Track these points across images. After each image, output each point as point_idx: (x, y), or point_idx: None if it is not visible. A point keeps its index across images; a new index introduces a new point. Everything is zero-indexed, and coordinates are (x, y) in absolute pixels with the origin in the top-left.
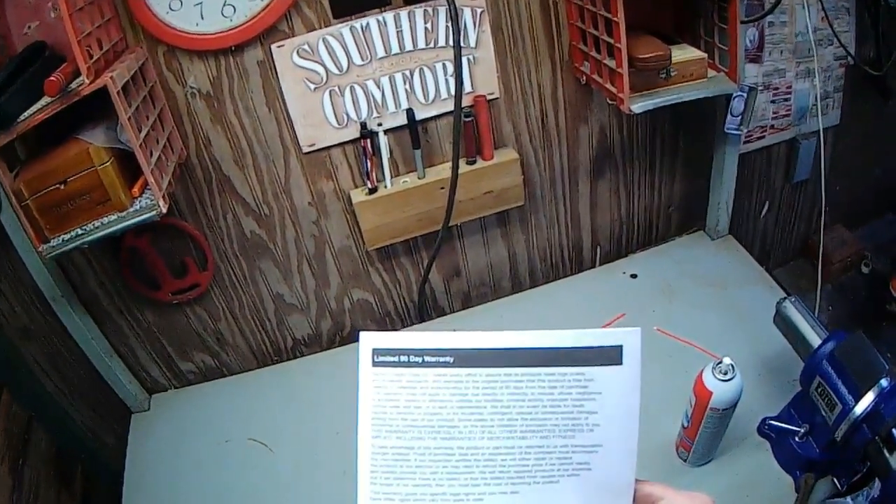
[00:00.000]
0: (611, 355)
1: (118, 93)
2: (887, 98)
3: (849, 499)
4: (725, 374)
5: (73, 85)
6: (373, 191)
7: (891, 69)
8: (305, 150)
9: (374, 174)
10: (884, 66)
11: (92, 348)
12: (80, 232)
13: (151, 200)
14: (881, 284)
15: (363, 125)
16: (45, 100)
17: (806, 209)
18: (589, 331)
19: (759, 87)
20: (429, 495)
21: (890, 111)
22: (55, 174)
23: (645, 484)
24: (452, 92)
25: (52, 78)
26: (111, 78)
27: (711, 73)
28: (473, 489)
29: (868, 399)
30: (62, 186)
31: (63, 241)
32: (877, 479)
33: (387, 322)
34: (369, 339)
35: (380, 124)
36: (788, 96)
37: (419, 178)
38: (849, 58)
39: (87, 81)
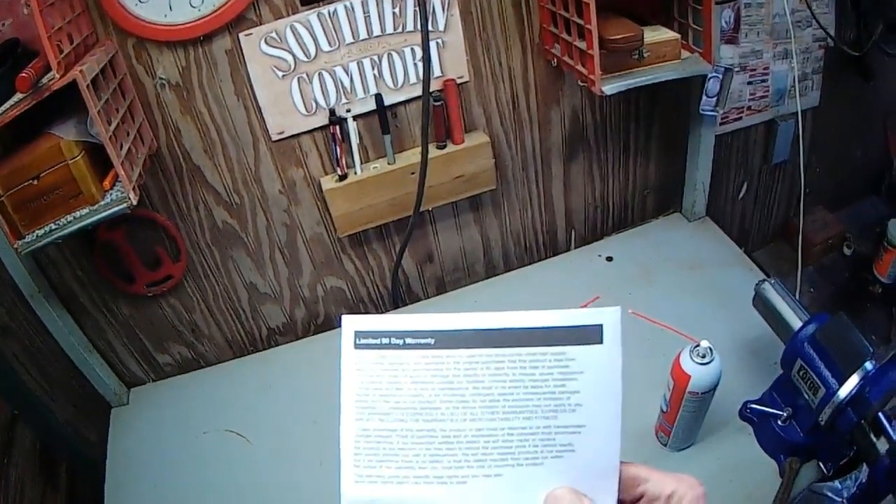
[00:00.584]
0: (591, 334)
1: (87, 86)
2: (868, 79)
3: (837, 483)
4: (703, 357)
5: (44, 80)
6: (343, 177)
7: (871, 50)
8: (275, 138)
9: (343, 161)
10: (864, 47)
11: (70, 344)
12: (53, 227)
13: (122, 193)
14: (864, 266)
15: (332, 112)
16: (17, 96)
17: (785, 191)
18: (569, 311)
19: (736, 69)
20: (412, 477)
21: (870, 92)
22: (28, 170)
23: (630, 466)
24: (421, 76)
25: (23, 74)
26: (81, 72)
27: (685, 54)
28: (457, 471)
29: (852, 382)
30: (35, 182)
31: (37, 236)
32: (864, 463)
33: (360, 309)
34: (351, 322)
35: (348, 110)
36: (766, 78)
37: (389, 164)
38: (828, 39)
39: (57, 76)
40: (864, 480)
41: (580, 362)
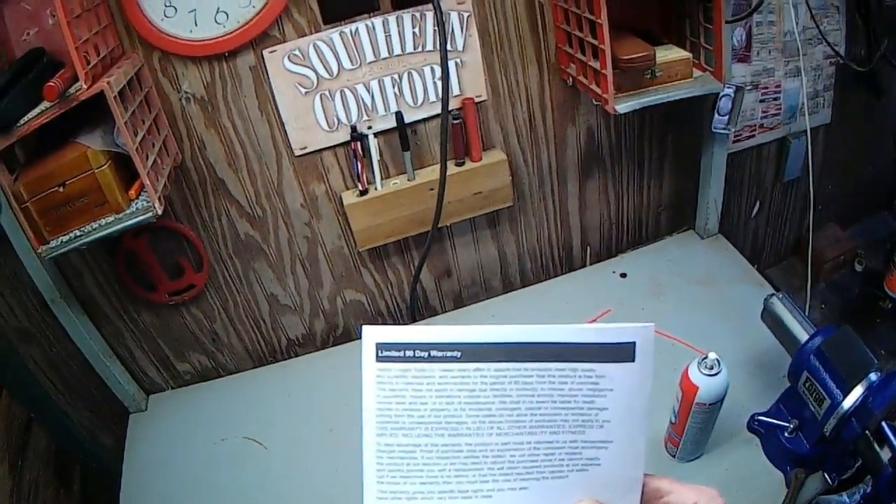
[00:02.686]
0: (624, 352)
1: (115, 98)
2: (879, 96)
3: (845, 496)
4: (711, 368)
5: (72, 90)
6: (363, 192)
7: (880, 67)
8: (297, 153)
9: (364, 176)
10: (872, 63)
11: (90, 349)
12: (78, 233)
13: (147, 202)
14: (875, 282)
15: (353, 128)
16: (44, 104)
17: (798, 208)
18: (601, 326)
19: (748, 87)
20: (437, 493)
21: (881, 109)
22: (54, 177)
23: (653, 478)
24: (441, 95)
25: (50, 83)
26: (108, 83)
27: (697, 72)
28: (482, 486)
29: (857, 393)
30: (61, 189)
31: (62, 242)
32: (869, 476)
33: (379, 322)
34: (373, 334)
35: (370, 127)
36: (778, 95)
37: (409, 180)
38: (838, 57)
39: (84, 87)
40: (868, 491)
41: (610, 380)
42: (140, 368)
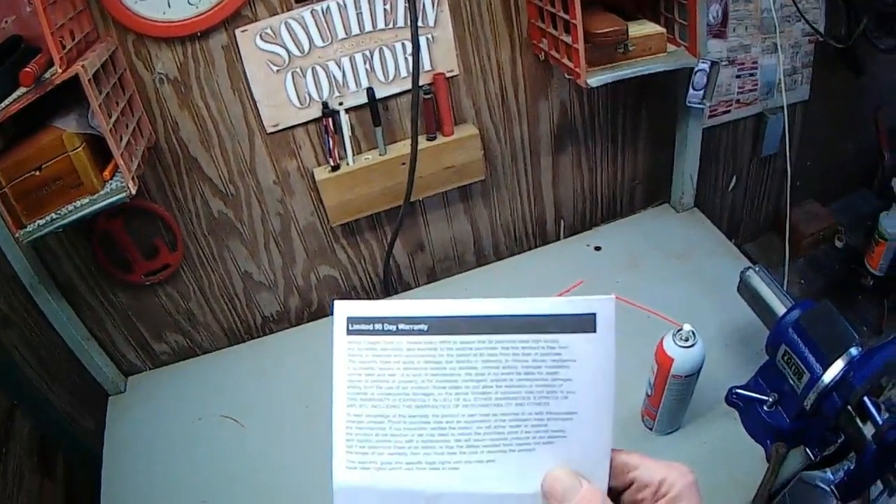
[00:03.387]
0: (585, 323)
1: (89, 81)
2: (858, 74)
3: (829, 473)
4: (686, 340)
5: (47, 75)
6: (335, 168)
7: (860, 44)
8: (269, 130)
9: (336, 152)
10: (851, 41)
11: (69, 333)
12: (54, 216)
13: (121, 183)
14: (855, 258)
15: (325, 105)
16: (20, 90)
17: (775, 183)
18: (563, 298)
19: (724, 63)
20: (405, 463)
21: (861, 86)
22: (31, 161)
23: (621, 453)
24: (412, 70)
25: (26, 69)
26: (82, 67)
27: (672, 48)
28: (449, 457)
29: (837, 367)
30: (37, 173)
31: (39, 225)
32: (853, 453)
33: (352, 297)
34: (343, 308)
35: (341, 103)
36: (754, 71)
37: (380, 155)
38: (816, 34)
39: (59, 71)
40: (851, 467)
41: (572, 350)
42: (118, 350)
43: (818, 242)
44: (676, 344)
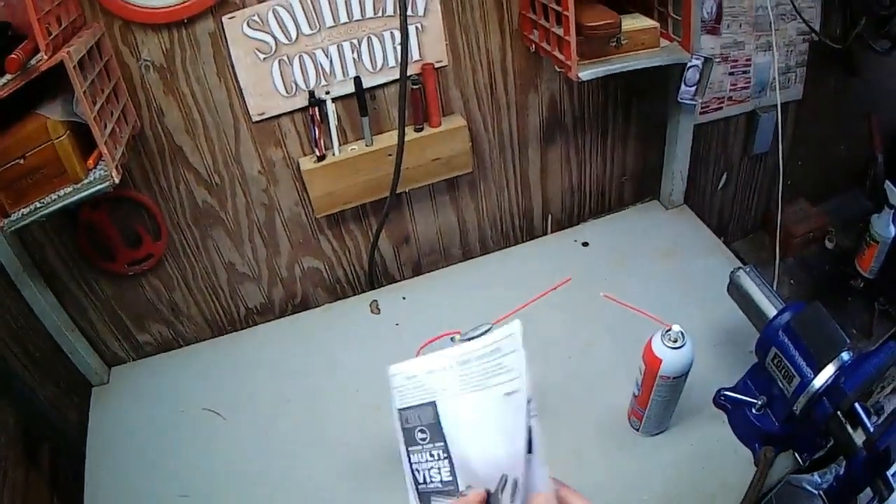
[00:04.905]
0: None
1: (74, 67)
2: (853, 74)
3: (816, 476)
4: (675, 341)
5: (33, 61)
6: (321, 158)
7: (856, 45)
8: (255, 119)
9: (322, 142)
10: (848, 41)
11: (53, 323)
12: (38, 205)
13: (105, 171)
14: (846, 260)
15: (311, 94)
16: (6, 77)
17: (766, 182)
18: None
19: (717, 59)
20: None
21: (855, 87)
22: (15, 149)
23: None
24: (400, 60)
25: (12, 55)
26: (68, 53)
27: (664, 42)
28: None
29: (828, 372)
30: (22, 161)
31: (22, 215)
32: (842, 457)
33: (337, 290)
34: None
35: (328, 92)
36: (748, 69)
37: (367, 146)
38: (812, 34)
39: (45, 57)
40: (841, 473)
41: None
42: (102, 340)
43: (808, 243)
44: (665, 345)
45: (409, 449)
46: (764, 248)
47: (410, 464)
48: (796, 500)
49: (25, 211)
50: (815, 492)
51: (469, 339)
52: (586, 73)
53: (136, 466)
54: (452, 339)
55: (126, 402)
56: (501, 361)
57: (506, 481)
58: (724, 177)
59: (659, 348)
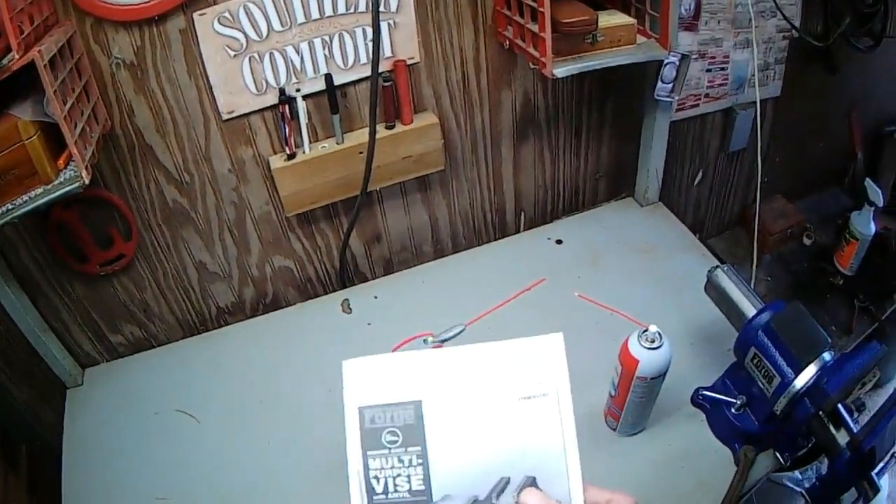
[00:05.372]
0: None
1: (45, 66)
2: (833, 72)
3: (797, 473)
4: (652, 342)
5: (4, 61)
6: (291, 156)
7: (837, 43)
8: (225, 117)
9: (292, 140)
10: (831, 40)
11: (26, 324)
12: (9, 207)
13: (75, 172)
14: (824, 257)
15: (282, 91)
16: None
17: (742, 179)
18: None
19: (694, 56)
20: None
21: (835, 86)
22: None
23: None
24: (371, 57)
25: None
26: (39, 52)
27: (641, 39)
28: None
29: (809, 372)
30: None
31: None
32: (824, 455)
33: (308, 288)
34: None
35: (298, 90)
36: (725, 66)
37: (337, 144)
38: (793, 31)
39: (17, 57)
40: (823, 472)
41: None
42: (75, 341)
43: (786, 240)
44: (642, 345)
45: (368, 453)
46: (740, 245)
47: (366, 470)
48: (778, 498)
49: None
50: (797, 489)
51: (442, 342)
52: (561, 70)
53: (113, 468)
54: (425, 340)
55: (100, 404)
56: (521, 366)
57: (506, 483)
58: (700, 174)
59: (636, 349)
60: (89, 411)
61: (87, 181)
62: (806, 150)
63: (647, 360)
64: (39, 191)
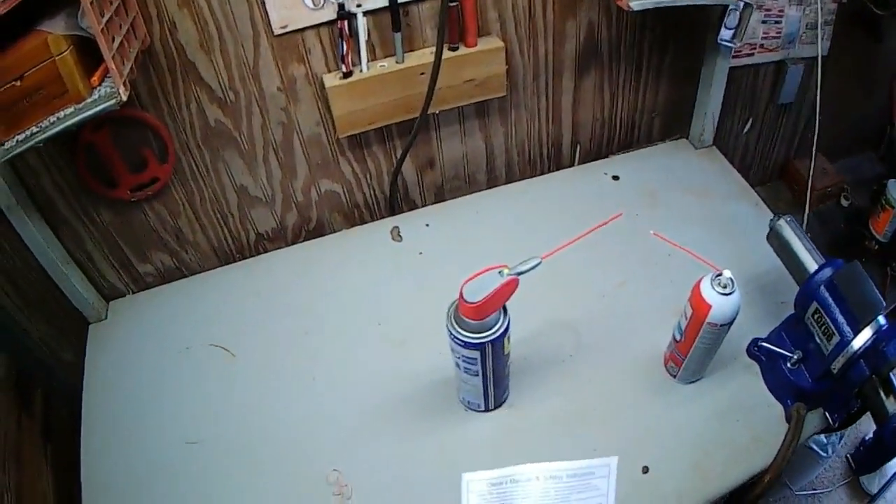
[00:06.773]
0: None
1: None
2: (878, 40)
3: (823, 437)
4: (725, 287)
5: None
6: (347, 75)
7: (886, 12)
8: (277, 32)
9: (349, 58)
10: (890, 7)
11: (48, 257)
12: (35, 130)
13: (112, 88)
14: (860, 220)
15: (341, 6)
16: None
17: (788, 133)
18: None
19: (754, 6)
20: None
21: (880, 53)
22: (11, 70)
23: None
24: None
25: None
26: None
27: None
28: None
29: (866, 334)
30: (18, 83)
31: (18, 142)
32: (872, 423)
33: (355, 215)
34: None
35: (359, 5)
36: (780, 19)
37: (397, 63)
38: None
39: None
40: (868, 438)
41: None
42: (99, 273)
43: (825, 198)
44: (715, 290)
45: None
46: (781, 199)
47: None
48: (803, 460)
49: (21, 137)
50: (823, 454)
51: (518, 274)
52: (637, 3)
53: (137, 410)
54: (500, 272)
55: (126, 340)
56: (590, 482)
57: None
58: (750, 122)
59: (709, 293)
60: (113, 348)
61: (124, 98)
62: (846, 112)
63: (720, 305)
64: (70, 110)
